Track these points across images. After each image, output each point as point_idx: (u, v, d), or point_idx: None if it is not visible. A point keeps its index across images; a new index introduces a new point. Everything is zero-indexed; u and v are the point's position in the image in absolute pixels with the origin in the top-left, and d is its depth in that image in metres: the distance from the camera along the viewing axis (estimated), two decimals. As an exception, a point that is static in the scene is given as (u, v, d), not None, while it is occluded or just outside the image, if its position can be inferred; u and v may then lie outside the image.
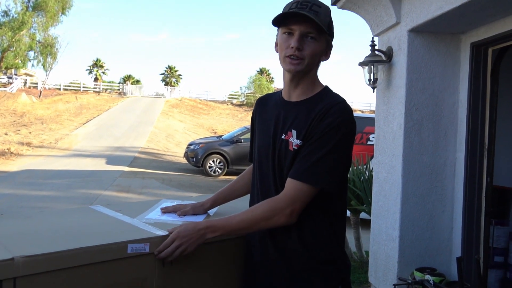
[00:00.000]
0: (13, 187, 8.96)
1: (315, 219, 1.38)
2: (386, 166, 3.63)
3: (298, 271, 1.39)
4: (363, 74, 3.66)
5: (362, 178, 4.59)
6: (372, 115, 11.42)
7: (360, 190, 4.43)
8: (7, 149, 14.35)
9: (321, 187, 1.33)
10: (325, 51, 1.43)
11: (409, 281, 3.18)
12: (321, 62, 1.45)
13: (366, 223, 4.57)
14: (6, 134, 17.78)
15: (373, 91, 3.74)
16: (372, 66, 3.59)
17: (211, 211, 1.68)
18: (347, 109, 1.38)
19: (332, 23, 1.41)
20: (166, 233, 1.36)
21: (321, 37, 1.38)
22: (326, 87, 1.47)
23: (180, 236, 1.29)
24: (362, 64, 3.63)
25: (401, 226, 3.39)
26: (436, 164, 3.44)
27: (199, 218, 1.58)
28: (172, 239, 1.29)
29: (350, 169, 4.83)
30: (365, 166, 4.90)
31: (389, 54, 3.54)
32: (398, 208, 3.41)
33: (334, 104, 1.36)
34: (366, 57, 3.59)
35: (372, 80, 3.61)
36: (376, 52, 3.58)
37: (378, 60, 3.55)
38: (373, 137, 9.90)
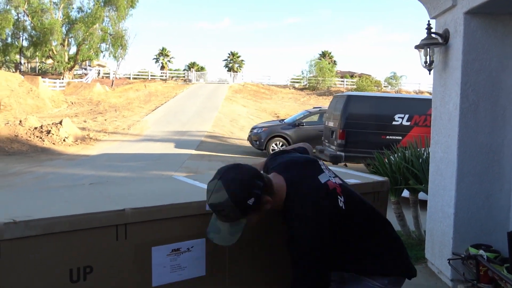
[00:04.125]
0: (94, 169, 9.87)
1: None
2: (442, 146, 3.73)
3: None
4: (419, 56, 3.76)
5: (420, 159, 4.68)
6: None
7: (418, 170, 4.53)
8: (87, 135, 15.62)
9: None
10: (258, 212, 1.52)
11: (463, 255, 3.32)
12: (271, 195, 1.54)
13: (424, 204, 4.66)
14: (85, 121, 19.28)
15: (429, 73, 3.82)
16: (428, 49, 3.68)
17: None
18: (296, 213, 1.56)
19: (241, 200, 1.45)
20: None
21: (245, 221, 1.51)
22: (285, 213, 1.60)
23: None
24: (418, 47, 3.73)
25: (456, 204, 3.50)
26: (493, 143, 3.49)
27: None
28: None
29: (409, 149, 4.92)
30: (423, 149, 4.96)
31: (445, 37, 3.60)
32: (453, 186, 3.52)
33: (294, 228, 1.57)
34: (422, 40, 3.69)
35: (428, 62, 3.70)
36: (433, 35, 3.66)
37: (434, 43, 3.63)
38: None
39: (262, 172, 1.62)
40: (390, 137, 9.46)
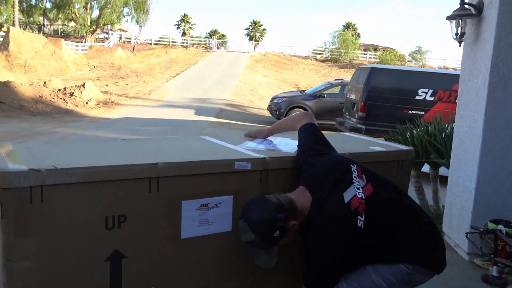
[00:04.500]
0: (116, 132, 10.04)
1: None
2: (467, 120, 3.69)
3: None
4: (450, 28, 3.68)
5: (444, 133, 4.64)
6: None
7: (440, 144, 4.50)
8: (109, 99, 15.81)
9: None
10: (288, 234, 1.65)
11: (482, 229, 3.33)
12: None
13: (443, 180, 4.65)
14: (106, 85, 19.47)
15: (459, 45, 3.74)
16: (460, 20, 3.59)
17: (270, 138, 2.22)
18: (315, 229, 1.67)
19: (267, 235, 1.59)
20: (263, 156, 1.75)
21: (277, 246, 1.67)
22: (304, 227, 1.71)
23: None
24: (449, 18, 3.64)
25: (478, 179, 3.50)
26: (520, 119, 3.44)
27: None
28: None
29: (432, 124, 4.88)
30: (447, 125, 4.91)
31: (479, 8, 3.50)
32: (476, 161, 3.50)
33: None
34: (454, 10, 3.60)
35: (459, 34, 3.61)
36: (466, 6, 3.56)
37: (467, 14, 3.53)
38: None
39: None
40: (412, 111, 9.34)
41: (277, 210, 1.60)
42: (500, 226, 3.22)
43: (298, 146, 1.92)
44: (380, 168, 1.99)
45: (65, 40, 28.75)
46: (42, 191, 1.32)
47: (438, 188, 4.81)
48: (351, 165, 1.77)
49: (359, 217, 1.64)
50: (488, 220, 3.46)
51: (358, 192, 1.69)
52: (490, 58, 3.34)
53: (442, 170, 4.86)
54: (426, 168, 5.00)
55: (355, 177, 1.73)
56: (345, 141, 2.39)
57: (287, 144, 2.09)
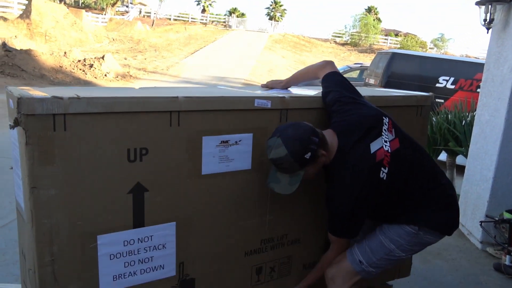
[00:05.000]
0: (134, 105, 10.14)
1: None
2: (490, 109, 3.65)
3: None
4: (479, 14, 3.61)
5: (464, 122, 4.59)
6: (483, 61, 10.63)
7: (460, 133, 4.46)
8: (127, 72, 15.89)
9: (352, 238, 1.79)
10: (315, 165, 1.66)
11: (497, 219, 3.33)
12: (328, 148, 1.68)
13: (460, 169, 4.63)
14: (125, 58, 19.53)
15: (487, 32, 3.67)
16: (490, 6, 3.52)
17: (290, 89, 2.12)
18: (340, 193, 1.70)
19: (299, 155, 1.59)
20: (282, 95, 1.79)
21: (303, 173, 1.64)
22: (327, 169, 1.75)
23: None
24: (479, 3, 3.57)
25: (497, 168, 3.47)
26: (545, 110, 3.39)
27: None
28: None
29: (452, 112, 4.83)
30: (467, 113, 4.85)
31: (511, -6, 3.42)
32: (496, 150, 3.47)
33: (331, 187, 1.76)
34: (484, -4, 3.52)
35: (487, 20, 3.54)
36: (497, -9, 3.48)
37: (498, 0, 3.46)
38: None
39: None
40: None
41: (312, 133, 1.62)
42: (516, 216, 3.21)
43: (326, 92, 1.88)
44: (400, 113, 1.99)
45: (85, 11, 28.80)
46: (64, 119, 1.34)
47: (454, 177, 4.79)
48: (384, 118, 1.77)
49: (382, 168, 1.67)
50: (504, 210, 3.45)
51: (385, 145, 1.71)
52: (518, 45, 3.28)
53: (459, 159, 4.82)
54: (443, 156, 4.97)
55: (385, 130, 1.74)
56: (364, 91, 2.39)
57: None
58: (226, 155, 1.66)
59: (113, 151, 1.44)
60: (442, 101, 9.15)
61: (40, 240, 1.36)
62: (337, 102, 1.81)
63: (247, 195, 1.76)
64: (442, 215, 1.80)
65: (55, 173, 1.35)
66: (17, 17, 20.32)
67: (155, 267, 1.60)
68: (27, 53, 13.41)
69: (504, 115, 3.40)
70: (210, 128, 1.61)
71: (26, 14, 20.52)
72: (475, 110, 4.47)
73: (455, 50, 39.19)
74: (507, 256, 3.21)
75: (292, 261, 1.97)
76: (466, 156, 4.22)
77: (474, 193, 3.78)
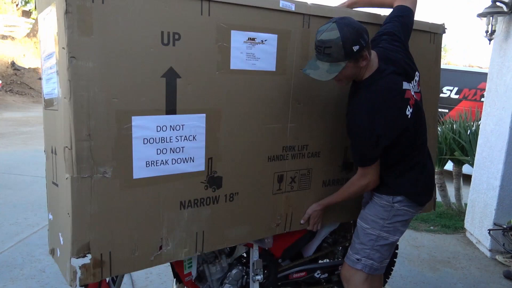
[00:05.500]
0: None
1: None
2: (494, 118, 3.70)
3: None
4: (481, 25, 3.69)
5: (469, 131, 4.64)
6: (487, 71, 10.68)
7: (465, 142, 4.51)
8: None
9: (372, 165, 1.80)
10: (355, 65, 1.69)
11: (505, 227, 3.36)
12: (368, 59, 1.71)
13: (466, 178, 4.66)
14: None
15: (489, 43, 3.75)
16: (491, 18, 3.60)
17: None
18: (361, 107, 1.73)
19: (349, 42, 1.62)
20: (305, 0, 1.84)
21: (344, 65, 1.67)
22: (360, 84, 1.78)
23: (312, 217, 2.00)
24: (480, 15, 3.65)
25: (503, 176, 3.51)
26: (548, 119, 3.44)
27: None
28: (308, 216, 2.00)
29: (458, 121, 4.88)
30: (473, 123, 4.90)
31: (511, 5, 3.50)
32: (502, 159, 3.52)
33: (350, 101, 1.81)
34: (485, 8, 3.60)
35: (489, 32, 3.62)
36: (497, 3, 3.56)
37: (498, 12, 3.54)
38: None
39: None
40: (437, 109, 9.25)
41: (365, 32, 1.66)
42: (524, 224, 3.25)
43: (390, 18, 1.92)
44: (414, 38, 2.00)
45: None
46: None
47: (461, 186, 4.82)
48: (417, 72, 1.86)
49: (408, 107, 1.74)
50: (511, 217, 3.49)
51: (413, 91, 1.80)
52: (520, 56, 3.35)
53: (465, 169, 4.86)
54: (449, 166, 5.01)
55: (416, 80, 1.83)
56: None
57: None
58: (252, 52, 1.73)
59: (148, 31, 1.49)
60: (447, 111, 9.19)
61: (77, 112, 1.39)
62: (392, 35, 1.87)
63: (271, 98, 1.81)
64: (420, 190, 1.89)
65: (93, 45, 1.39)
66: (24, 36, 20.67)
67: (185, 158, 1.65)
68: (35, 71, 13.65)
69: (508, 124, 3.45)
70: (238, 23, 1.67)
71: (33, 32, 20.86)
72: (480, 119, 4.53)
73: (457, 60, 39.11)
74: (516, 263, 3.24)
75: (312, 175, 2.01)
76: (472, 165, 4.26)
77: (481, 201, 3.82)
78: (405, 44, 1.89)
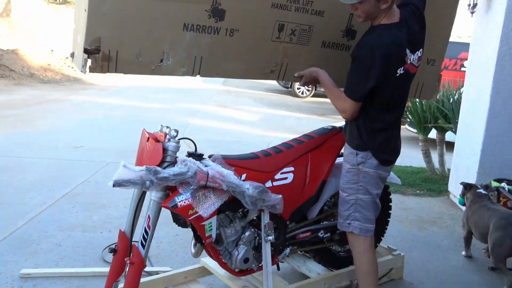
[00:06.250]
0: (128, 99, 10.26)
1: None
2: (476, 87, 3.94)
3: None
4: (463, -1, 3.87)
5: (451, 99, 4.88)
6: (467, 41, 10.95)
7: (448, 110, 4.75)
8: (115, 66, 15.92)
9: (354, 100, 1.98)
10: (376, 4, 1.88)
11: (485, 185, 3.63)
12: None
13: (449, 145, 4.93)
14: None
15: (471, 16, 3.94)
16: (473, -9, 3.78)
17: None
18: (368, 41, 1.95)
19: None
20: None
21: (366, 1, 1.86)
22: (375, 26, 1.98)
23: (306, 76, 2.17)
24: (462, -11, 3.83)
25: (484, 142, 3.77)
26: (526, 86, 3.68)
27: None
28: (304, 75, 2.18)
29: (441, 90, 5.12)
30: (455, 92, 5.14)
31: (491, -21, 3.69)
32: (483, 125, 3.77)
33: (362, 37, 2.02)
34: (467, -18, 3.78)
35: (471, 5, 3.81)
36: (479, -23, 3.74)
37: (480, -15, 3.72)
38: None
39: None
40: (418, 79, 9.49)
41: None
42: (504, 184, 3.52)
43: None
44: None
45: (65, 6, 28.37)
46: None
47: (444, 152, 5.10)
48: (422, 49, 2.09)
49: (401, 68, 1.97)
50: (492, 179, 3.76)
51: (413, 62, 2.03)
52: (500, 28, 3.55)
53: (448, 136, 5.13)
54: (432, 134, 5.28)
55: (416, 54, 2.04)
56: None
57: None
58: None
59: None
60: (428, 81, 9.46)
61: None
62: (416, 8, 2.06)
63: None
64: (384, 149, 2.11)
65: None
66: (-2, 16, 20.08)
67: None
68: (14, 52, 13.38)
69: (489, 92, 3.69)
70: None
71: (6, 12, 20.26)
72: (461, 88, 4.77)
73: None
74: (497, 220, 3.52)
75: (312, 32, 2.13)
76: (455, 132, 4.52)
77: (464, 166, 4.09)
78: (423, 19, 2.08)
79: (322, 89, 2.25)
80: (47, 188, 4.13)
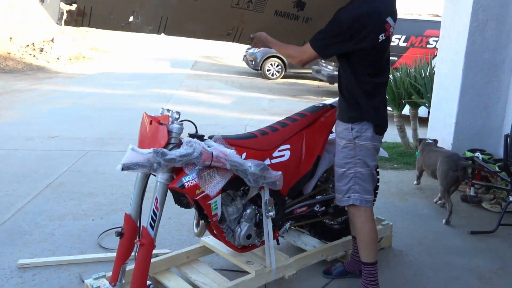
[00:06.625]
0: (96, 87, 10.03)
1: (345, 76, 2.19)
2: (448, 63, 4.11)
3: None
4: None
5: (423, 74, 5.07)
6: (432, 19, 11.27)
7: (421, 86, 4.94)
8: (79, 53, 15.46)
9: (319, 54, 2.11)
10: None
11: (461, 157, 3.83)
12: None
13: (421, 121, 5.13)
14: (74, 40, 18.88)
15: (443, -6, 4.09)
16: (443, -31, 3.92)
17: None
18: (352, 7, 2.06)
19: None
20: None
21: None
22: None
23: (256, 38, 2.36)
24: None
25: (458, 114, 3.98)
26: (495, 60, 3.89)
27: None
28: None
29: (414, 66, 5.30)
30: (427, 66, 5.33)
31: (461, -42, 3.83)
32: (456, 98, 3.96)
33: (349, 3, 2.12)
34: (438, -40, 3.91)
35: (442, -18, 3.95)
36: (449, -44, 3.88)
37: (450, -36, 3.86)
38: (433, 41, 9.94)
39: None
40: (386, 57, 9.73)
41: None
42: (478, 154, 3.74)
43: None
44: None
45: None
46: None
47: (417, 127, 5.30)
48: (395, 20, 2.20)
49: (384, 33, 2.05)
50: (466, 150, 3.98)
51: (392, 25, 2.13)
52: (471, 4, 3.71)
53: (420, 112, 5.34)
54: (405, 111, 5.47)
55: (394, 19, 2.15)
56: None
57: None
58: None
59: None
60: (396, 58, 9.72)
61: None
62: None
63: None
64: (380, 118, 2.21)
65: None
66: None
67: None
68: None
69: (461, 67, 3.87)
70: None
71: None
72: (428, 64, 4.96)
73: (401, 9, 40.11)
74: (471, 188, 3.75)
75: (267, 2, 2.29)
76: (428, 107, 4.72)
77: (439, 138, 4.28)
78: None
79: (292, 70, 2.38)
80: (28, 179, 4.05)
